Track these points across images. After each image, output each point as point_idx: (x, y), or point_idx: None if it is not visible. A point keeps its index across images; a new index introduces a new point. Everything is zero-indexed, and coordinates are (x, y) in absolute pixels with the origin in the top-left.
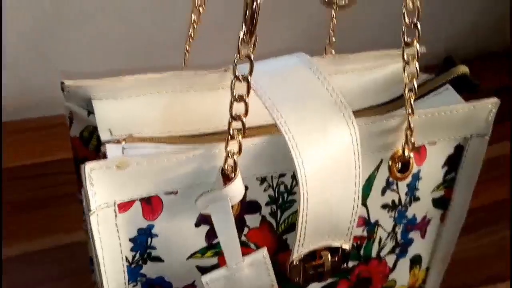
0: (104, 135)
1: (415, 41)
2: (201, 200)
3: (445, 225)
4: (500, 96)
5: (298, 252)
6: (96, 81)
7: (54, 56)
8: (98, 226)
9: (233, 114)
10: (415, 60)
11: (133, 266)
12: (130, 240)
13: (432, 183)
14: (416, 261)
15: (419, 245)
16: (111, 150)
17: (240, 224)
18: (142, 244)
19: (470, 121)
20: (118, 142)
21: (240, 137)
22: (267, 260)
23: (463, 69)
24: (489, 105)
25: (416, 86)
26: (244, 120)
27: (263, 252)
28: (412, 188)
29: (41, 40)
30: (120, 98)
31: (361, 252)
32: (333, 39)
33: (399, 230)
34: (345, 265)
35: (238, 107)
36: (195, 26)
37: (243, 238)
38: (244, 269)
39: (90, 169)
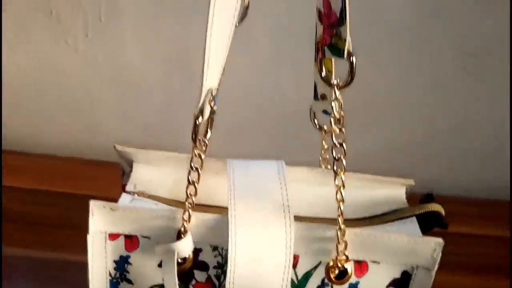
0: (129, 187)
1: (340, 172)
2: (158, 248)
3: None
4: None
5: None
6: (136, 149)
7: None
8: (92, 245)
9: (188, 193)
10: (341, 188)
11: (114, 281)
12: (114, 261)
13: None
14: None
15: None
16: (123, 197)
17: (189, 275)
18: (121, 266)
19: (414, 252)
20: (133, 194)
21: (189, 211)
22: None
23: (437, 207)
24: (431, 243)
25: (341, 209)
26: (193, 199)
27: None
28: None
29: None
30: (149, 164)
31: None
32: (326, 155)
33: None
34: None
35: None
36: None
37: (191, 287)
38: None
39: (93, 204)
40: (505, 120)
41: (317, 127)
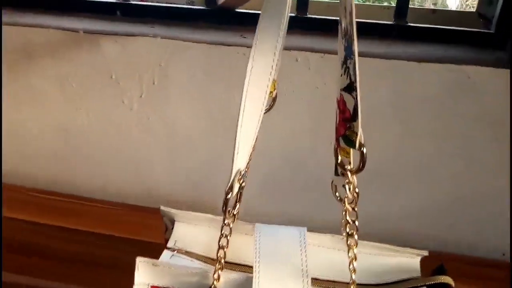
0: (170, 243)
1: (353, 246)
2: None
3: None
4: None
5: None
6: (178, 211)
7: None
8: None
9: (218, 256)
10: (354, 247)
11: None
12: None
13: None
14: None
15: None
16: (165, 254)
17: None
18: None
19: None
20: (173, 250)
21: (219, 271)
22: None
23: (447, 279)
24: None
25: (354, 279)
26: (222, 261)
27: None
28: None
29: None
30: (189, 223)
31: None
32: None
33: None
34: None
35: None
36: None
37: None
38: None
39: (139, 261)
40: None
41: (338, 199)
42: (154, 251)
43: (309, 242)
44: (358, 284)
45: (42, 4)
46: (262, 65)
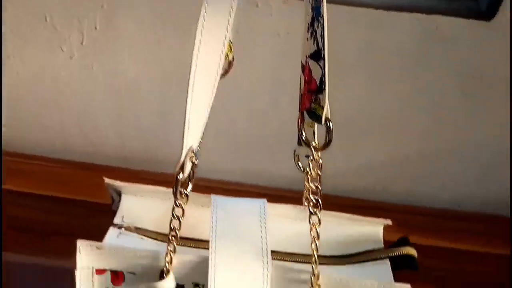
0: (117, 219)
1: (316, 211)
2: (142, 286)
3: None
4: None
5: None
6: (125, 183)
7: None
8: (80, 279)
9: (170, 238)
10: (316, 226)
11: None
12: None
13: None
14: None
15: None
16: (111, 232)
17: None
18: None
19: None
20: (120, 227)
21: (171, 254)
22: None
23: (411, 250)
24: None
25: (316, 256)
26: (174, 243)
27: None
28: None
29: None
30: (139, 196)
31: None
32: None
33: None
34: None
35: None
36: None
37: None
38: None
39: (80, 244)
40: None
41: (301, 169)
42: (104, 213)
43: (270, 213)
44: (320, 256)
45: None
46: (215, 22)
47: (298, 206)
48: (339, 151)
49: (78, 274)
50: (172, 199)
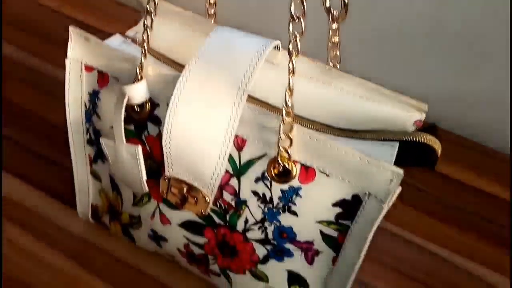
0: (130, 33)
1: (297, 55)
2: (118, 86)
3: (334, 272)
4: None
5: (168, 172)
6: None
7: None
8: (70, 70)
9: (143, 37)
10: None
11: (88, 112)
12: (88, 93)
13: (317, 212)
14: (296, 280)
15: (301, 267)
16: (115, 38)
17: (144, 126)
18: (93, 100)
19: (367, 176)
20: (128, 38)
21: (143, 58)
22: (139, 156)
23: (434, 141)
24: (388, 172)
25: (287, 98)
26: (145, 46)
27: (137, 148)
28: (286, 198)
29: None
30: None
31: (227, 217)
32: (335, 52)
33: (269, 227)
34: (202, 212)
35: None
36: None
37: (143, 137)
38: (123, 151)
39: (72, 31)
40: None
41: (326, 9)
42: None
43: (282, 65)
44: (332, 127)
45: None
46: None
47: (317, 63)
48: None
49: (68, 64)
50: (193, 27)
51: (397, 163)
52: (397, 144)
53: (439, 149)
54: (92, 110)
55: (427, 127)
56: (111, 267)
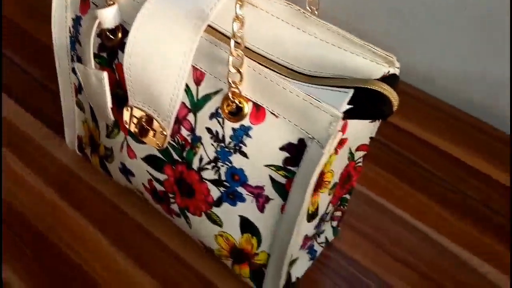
0: None
1: None
2: (91, 11)
3: (282, 220)
4: None
5: (131, 101)
6: None
7: None
8: None
9: None
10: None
11: (72, 39)
12: (72, 18)
13: (266, 156)
14: (248, 227)
15: (253, 214)
16: None
17: (115, 54)
18: (76, 26)
19: (309, 118)
20: None
21: None
22: (104, 81)
23: (388, 90)
24: (327, 114)
25: (236, 30)
26: None
27: (103, 74)
28: (237, 137)
29: None
30: None
31: (184, 154)
32: None
33: (222, 167)
34: (160, 145)
35: None
36: None
37: (113, 65)
38: (92, 76)
39: None
40: None
41: None
42: None
43: (258, 6)
44: (289, 69)
45: None
46: None
47: (295, 9)
48: None
49: None
50: None
51: (352, 112)
52: (351, 92)
53: (395, 100)
54: (75, 37)
55: (387, 76)
56: (90, 201)
